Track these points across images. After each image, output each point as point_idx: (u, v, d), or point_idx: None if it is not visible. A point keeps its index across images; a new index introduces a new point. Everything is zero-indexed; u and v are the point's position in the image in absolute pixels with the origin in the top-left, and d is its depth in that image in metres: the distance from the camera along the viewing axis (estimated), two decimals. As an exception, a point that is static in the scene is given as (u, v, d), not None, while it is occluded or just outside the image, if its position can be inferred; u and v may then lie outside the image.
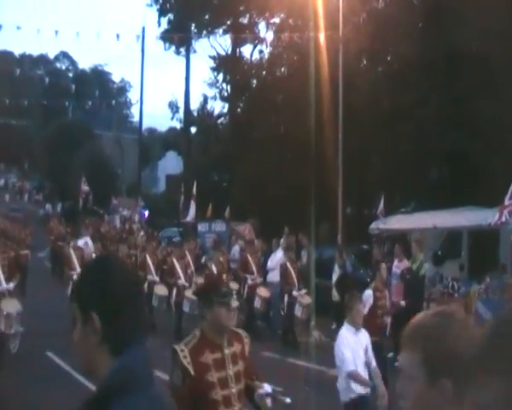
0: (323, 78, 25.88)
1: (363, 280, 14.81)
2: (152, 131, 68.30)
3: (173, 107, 47.70)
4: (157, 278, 16.48)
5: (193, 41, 44.25)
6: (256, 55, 41.09)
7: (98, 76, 63.45)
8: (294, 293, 15.02)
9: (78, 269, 13.86)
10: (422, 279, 13.51)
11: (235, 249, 21.13)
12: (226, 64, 41.66)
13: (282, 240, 19.99)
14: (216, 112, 44.26)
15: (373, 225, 19.35)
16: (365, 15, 24.15)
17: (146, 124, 63.06)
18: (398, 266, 14.14)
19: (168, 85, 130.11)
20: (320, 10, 25.04)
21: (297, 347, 14.42)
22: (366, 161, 25.99)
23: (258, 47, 40.44)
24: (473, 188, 20.21)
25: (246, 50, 43.22)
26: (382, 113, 25.32)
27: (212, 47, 43.45)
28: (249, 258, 16.69)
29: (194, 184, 27.13)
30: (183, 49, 46.05)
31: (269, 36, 39.39)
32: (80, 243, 17.86)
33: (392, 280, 14.18)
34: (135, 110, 65.38)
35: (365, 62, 29.15)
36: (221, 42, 43.59)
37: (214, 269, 15.47)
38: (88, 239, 19.45)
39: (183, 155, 48.94)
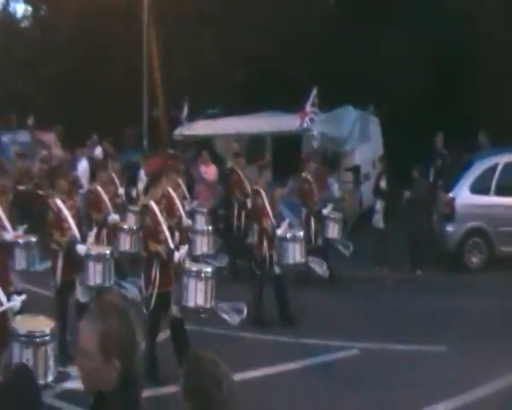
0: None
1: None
2: None
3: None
4: None
5: None
6: None
7: None
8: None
9: None
10: None
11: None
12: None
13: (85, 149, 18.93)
14: (19, 14, 40.62)
15: (177, 131, 18.80)
16: None
17: None
18: (206, 170, 15.03)
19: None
20: None
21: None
22: (169, 60, 24.99)
23: None
24: (277, 93, 20.05)
25: None
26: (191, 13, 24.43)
27: None
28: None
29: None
30: None
31: None
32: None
33: (198, 184, 14.84)
34: None
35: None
36: None
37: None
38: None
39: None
